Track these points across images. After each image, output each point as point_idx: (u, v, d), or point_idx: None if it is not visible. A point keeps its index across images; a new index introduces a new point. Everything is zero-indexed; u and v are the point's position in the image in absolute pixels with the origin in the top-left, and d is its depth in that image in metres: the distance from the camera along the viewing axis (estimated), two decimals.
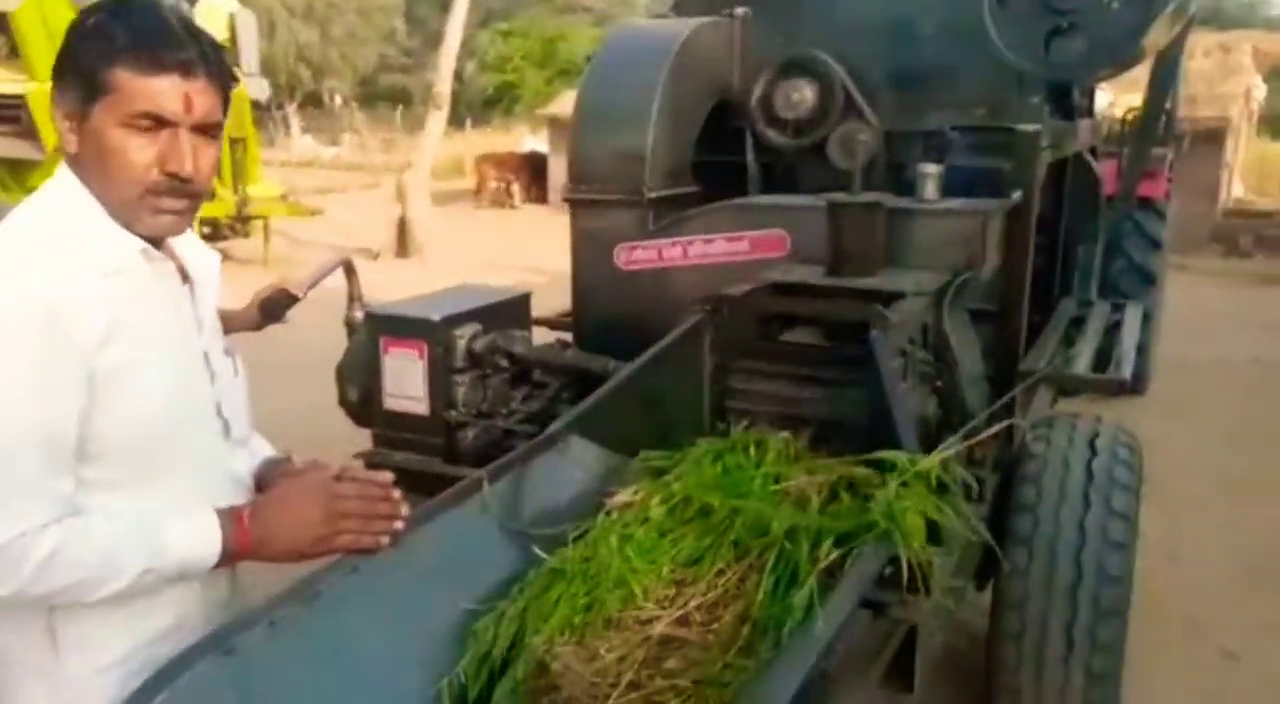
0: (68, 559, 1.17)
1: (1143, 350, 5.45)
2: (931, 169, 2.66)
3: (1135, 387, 5.59)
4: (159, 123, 1.21)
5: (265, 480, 1.50)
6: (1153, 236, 5.62)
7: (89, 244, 1.21)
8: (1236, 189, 15.70)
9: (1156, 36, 2.94)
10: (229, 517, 1.31)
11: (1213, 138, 12.82)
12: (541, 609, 1.54)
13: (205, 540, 1.29)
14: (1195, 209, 11.62)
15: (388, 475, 1.40)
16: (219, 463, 1.40)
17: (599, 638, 1.49)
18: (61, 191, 1.25)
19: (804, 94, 3.06)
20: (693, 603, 1.55)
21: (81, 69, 1.19)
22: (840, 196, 2.47)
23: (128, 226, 1.25)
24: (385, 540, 1.39)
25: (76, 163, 1.24)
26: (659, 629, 1.51)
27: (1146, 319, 5.22)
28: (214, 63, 1.24)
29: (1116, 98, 7.51)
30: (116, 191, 1.23)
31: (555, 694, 1.44)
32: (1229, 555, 4.05)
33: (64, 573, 1.17)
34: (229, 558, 1.31)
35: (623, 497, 1.81)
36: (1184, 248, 10.21)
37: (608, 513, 1.78)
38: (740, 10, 3.23)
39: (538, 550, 1.70)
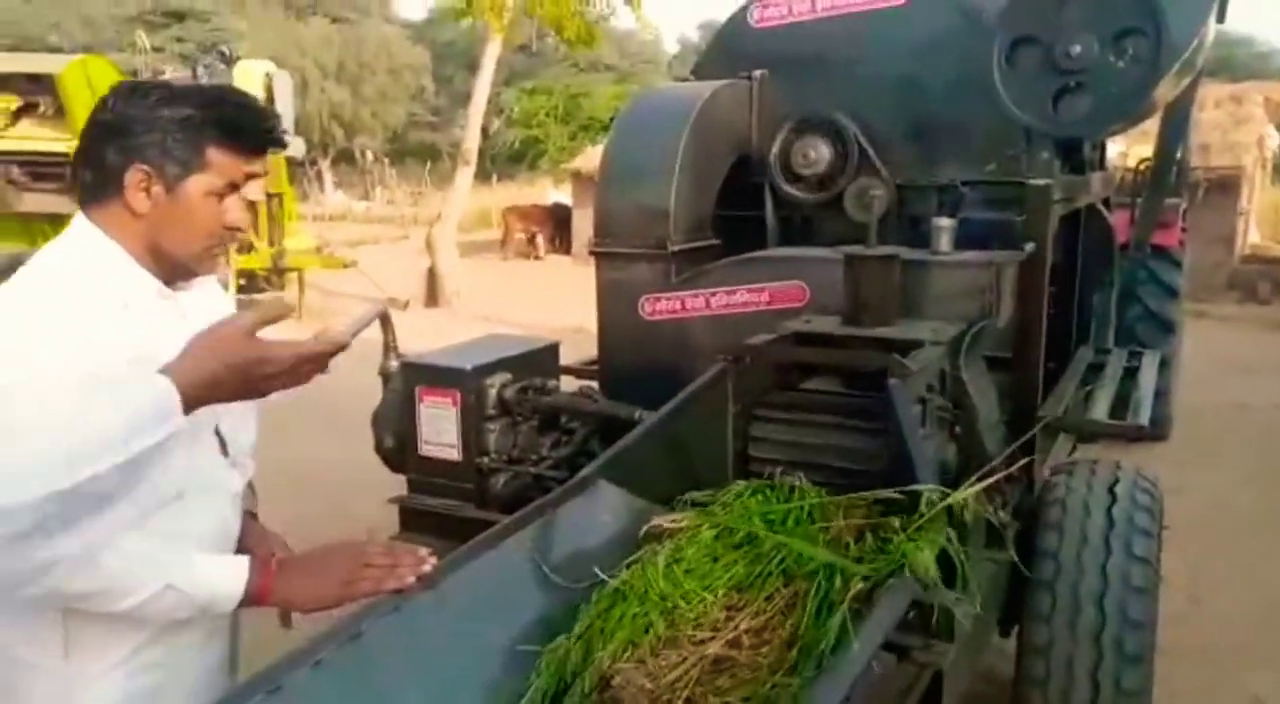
0: (99, 563, 1.26)
1: (1162, 396, 5.46)
2: (945, 222, 2.75)
3: (1156, 432, 5.59)
4: (232, 189, 1.44)
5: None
6: (1169, 284, 5.66)
7: (112, 283, 1.37)
8: (1253, 236, 15.70)
9: (1165, 91, 3.03)
10: (258, 560, 1.43)
11: (1227, 186, 12.87)
12: (605, 628, 1.65)
13: (233, 576, 1.40)
14: (1212, 256, 11.65)
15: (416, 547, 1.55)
16: (218, 479, 1.51)
17: (657, 656, 1.59)
18: (83, 239, 1.40)
19: (819, 151, 3.17)
20: (743, 626, 1.65)
21: (177, 149, 1.38)
22: (857, 249, 2.56)
23: (185, 273, 1.45)
24: (411, 579, 1.48)
25: (130, 218, 1.39)
26: (712, 650, 1.60)
27: (1165, 365, 5.24)
28: (277, 137, 1.50)
29: (1129, 149, 7.60)
30: (192, 245, 1.44)
31: None
32: (1253, 599, 4.03)
33: (93, 577, 1.26)
34: (253, 599, 1.41)
35: (666, 520, 1.92)
36: (1202, 295, 10.23)
37: (656, 535, 1.90)
38: (758, 72, 3.36)
39: (598, 571, 1.81)
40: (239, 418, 1.56)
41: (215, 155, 1.42)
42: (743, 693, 1.54)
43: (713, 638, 1.63)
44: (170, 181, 1.39)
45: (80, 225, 1.42)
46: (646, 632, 1.65)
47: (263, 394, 1.32)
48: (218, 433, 1.50)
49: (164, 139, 1.38)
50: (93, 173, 1.40)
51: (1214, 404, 6.97)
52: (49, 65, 9.48)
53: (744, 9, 3.45)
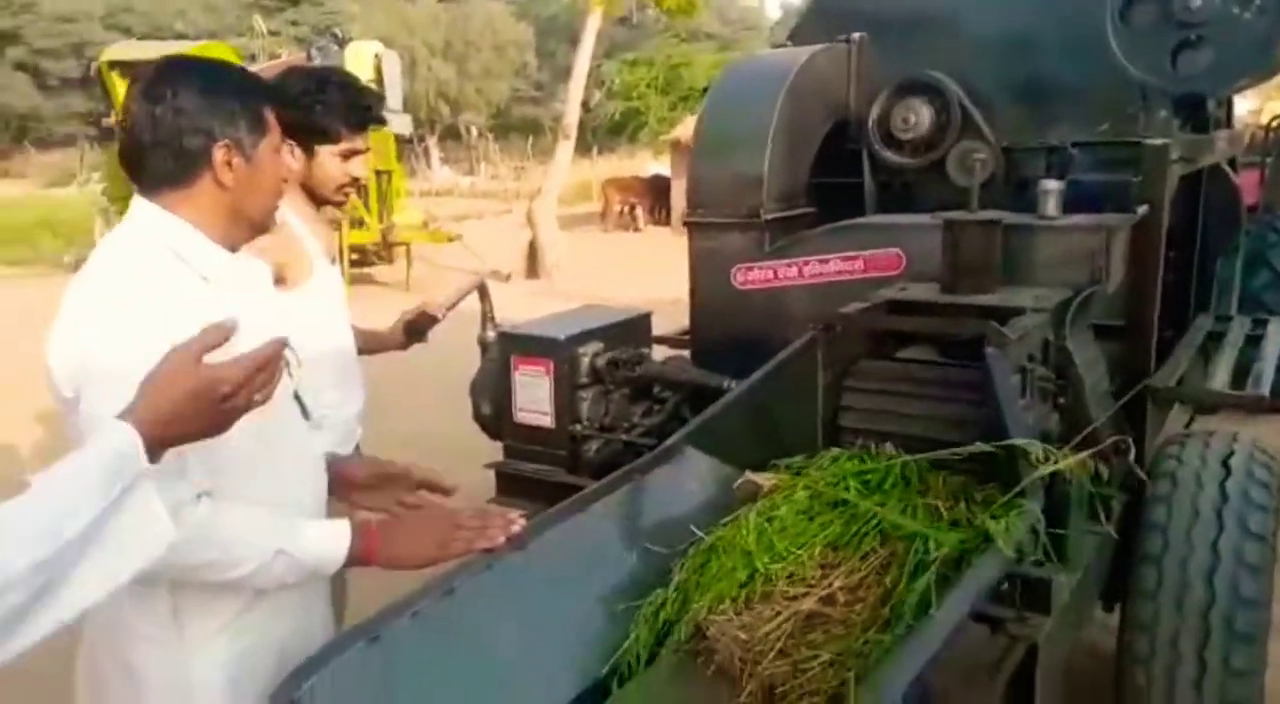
0: (211, 533, 1.33)
1: None
2: (1052, 185, 2.64)
3: None
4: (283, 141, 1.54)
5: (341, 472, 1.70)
6: None
7: (192, 258, 1.43)
8: None
9: None
10: (359, 522, 1.49)
11: None
12: (701, 581, 1.72)
13: (338, 538, 1.46)
14: None
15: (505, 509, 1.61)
16: (303, 444, 1.57)
17: (752, 609, 1.64)
18: (153, 222, 1.44)
19: (920, 114, 3.08)
20: (837, 583, 1.68)
21: (245, 119, 1.46)
22: (957, 215, 2.49)
23: (259, 231, 1.53)
24: (501, 539, 1.54)
25: (217, 192, 1.45)
26: (807, 605, 1.64)
27: None
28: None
29: (1263, 105, 7.12)
30: (268, 202, 1.52)
31: (711, 657, 1.60)
32: None
33: (206, 546, 1.33)
34: (356, 558, 1.48)
35: (761, 477, 1.98)
36: None
37: (751, 492, 1.96)
38: (856, 35, 3.29)
39: (694, 529, 1.87)
40: (325, 382, 1.62)
41: (269, 115, 1.50)
42: (835, 648, 1.57)
43: (807, 594, 1.67)
44: (248, 150, 1.46)
45: (145, 209, 1.45)
46: (742, 586, 1.70)
47: (227, 420, 1.24)
48: (298, 398, 1.55)
49: (234, 112, 1.44)
50: (174, 160, 1.43)
51: None
52: (176, 52, 9.98)
53: None
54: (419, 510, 1.61)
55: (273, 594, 1.48)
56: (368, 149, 2.21)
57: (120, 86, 10.88)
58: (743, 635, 1.58)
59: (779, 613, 1.62)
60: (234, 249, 1.51)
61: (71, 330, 1.37)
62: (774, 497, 1.94)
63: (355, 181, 2.20)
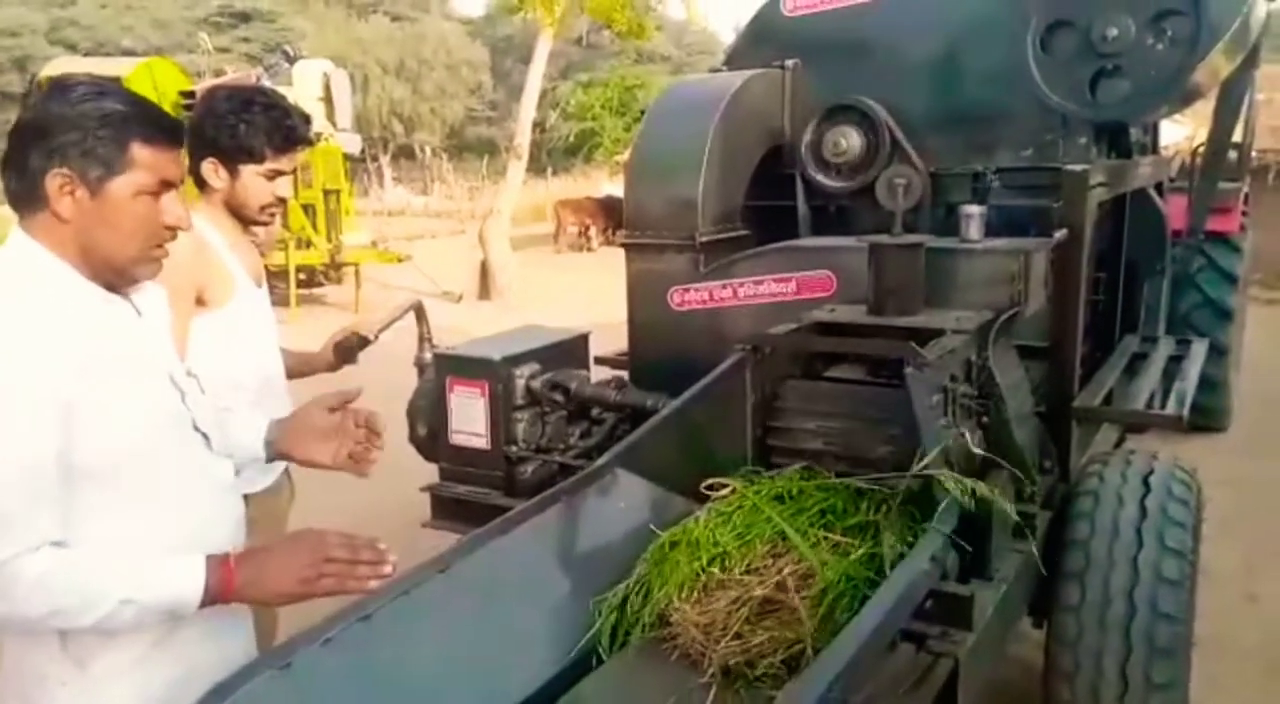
0: (53, 584, 1.26)
1: (1217, 386, 5.29)
2: (974, 210, 2.71)
3: (1210, 423, 5.44)
4: (166, 186, 1.38)
5: (282, 436, 1.69)
6: (1227, 271, 5.46)
7: (56, 295, 1.31)
8: None
9: (1210, 72, 2.94)
10: (216, 557, 1.38)
11: None
12: (662, 573, 1.82)
13: (189, 578, 1.34)
14: None
15: (375, 537, 1.47)
16: (206, 475, 1.49)
17: (710, 597, 1.76)
18: (23, 253, 1.33)
19: (850, 139, 3.15)
20: (787, 571, 1.80)
21: (100, 149, 1.32)
22: (881, 238, 2.54)
23: (125, 277, 1.39)
24: (371, 584, 1.43)
25: (58, 224, 1.32)
26: (760, 592, 1.75)
27: (1220, 354, 5.08)
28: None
29: (1196, 131, 7.35)
30: (127, 248, 1.36)
31: (673, 642, 1.73)
32: None
33: (48, 597, 1.26)
34: (215, 597, 1.36)
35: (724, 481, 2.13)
36: (1276, 283, 9.85)
37: (712, 495, 2.10)
38: (790, 61, 3.35)
39: (652, 529, 1.98)
40: (209, 411, 1.55)
41: (141, 152, 1.34)
42: (786, 631, 1.68)
43: (760, 581, 1.78)
44: (93, 184, 1.32)
45: (15, 240, 1.34)
46: (699, 576, 1.80)
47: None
48: (198, 429, 1.48)
49: (85, 138, 1.30)
50: (17, 179, 1.32)
51: None
52: (118, 69, 9.82)
53: None
54: (287, 538, 1.48)
55: (188, 626, 1.41)
56: (294, 169, 2.20)
57: None
58: (702, 620, 1.69)
59: (735, 600, 1.73)
60: (109, 287, 1.38)
61: None
62: (729, 498, 2.04)
63: (281, 202, 2.18)
